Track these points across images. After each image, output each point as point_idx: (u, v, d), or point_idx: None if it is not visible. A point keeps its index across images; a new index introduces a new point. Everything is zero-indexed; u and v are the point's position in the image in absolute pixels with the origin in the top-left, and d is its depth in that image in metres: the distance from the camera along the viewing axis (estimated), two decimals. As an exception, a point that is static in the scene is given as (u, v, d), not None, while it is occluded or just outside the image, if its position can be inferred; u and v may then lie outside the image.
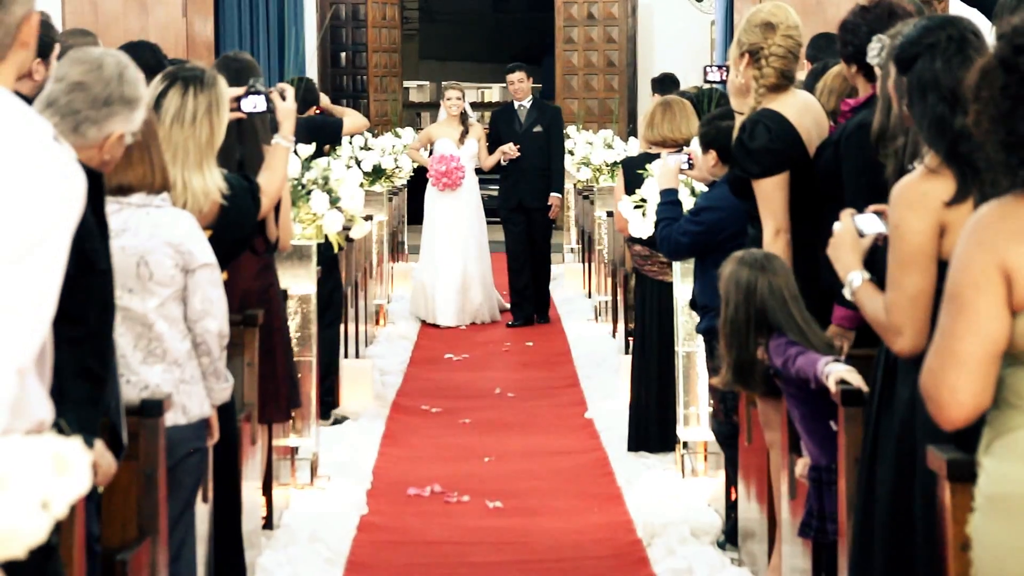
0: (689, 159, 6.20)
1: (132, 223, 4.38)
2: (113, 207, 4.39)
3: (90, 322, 3.46)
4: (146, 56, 6.07)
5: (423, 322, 12.82)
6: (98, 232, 3.48)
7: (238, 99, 5.38)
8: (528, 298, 12.79)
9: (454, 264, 12.66)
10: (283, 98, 5.60)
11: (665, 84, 11.97)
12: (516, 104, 12.75)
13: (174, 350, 4.43)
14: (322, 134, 8.83)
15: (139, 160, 4.38)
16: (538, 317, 12.89)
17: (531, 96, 12.75)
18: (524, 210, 12.61)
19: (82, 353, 3.44)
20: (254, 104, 5.37)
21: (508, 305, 13.08)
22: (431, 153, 12.86)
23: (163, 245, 4.39)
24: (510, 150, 12.45)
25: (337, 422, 8.86)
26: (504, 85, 24.93)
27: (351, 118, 9.97)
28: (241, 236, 5.05)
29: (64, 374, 3.33)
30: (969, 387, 2.87)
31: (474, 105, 20.46)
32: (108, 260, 3.55)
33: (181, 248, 4.41)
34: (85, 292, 3.40)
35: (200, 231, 4.48)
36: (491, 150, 12.65)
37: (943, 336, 2.89)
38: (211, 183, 4.79)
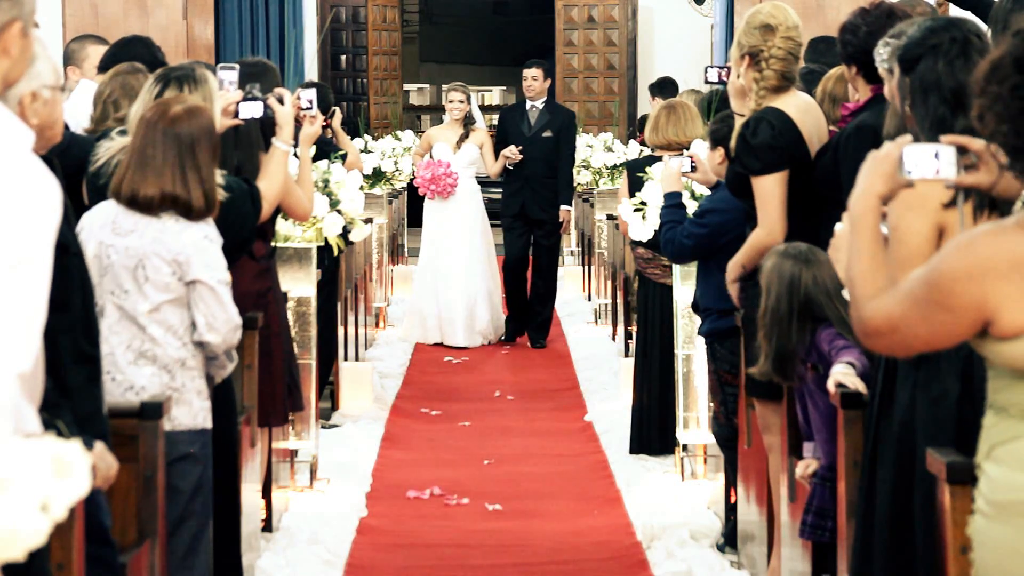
0: (692, 161, 6.20)
1: (141, 225, 4.42)
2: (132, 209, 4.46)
3: (74, 306, 3.48)
4: (141, 51, 6.10)
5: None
6: (63, 216, 3.48)
7: (235, 105, 5.39)
8: (523, 315, 11.89)
9: (459, 280, 11.70)
10: (281, 103, 5.61)
11: (664, 88, 11.96)
12: (528, 104, 11.75)
13: (165, 356, 4.44)
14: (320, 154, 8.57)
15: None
16: (535, 340, 11.89)
17: (545, 97, 11.80)
18: (527, 220, 11.69)
19: (75, 339, 3.46)
20: (251, 110, 5.38)
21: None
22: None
23: (163, 251, 4.41)
24: (512, 153, 11.50)
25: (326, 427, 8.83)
26: (504, 88, 25.06)
27: (352, 156, 9.69)
28: (240, 239, 5.06)
29: (63, 363, 3.35)
30: (902, 346, 2.98)
31: (474, 108, 20.27)
32: (77, 243, 3.56)
33: (179, 258, 4.42)
34: (65, 276, 3.42)
35: (210, 245, 4.48)
36: (497, 152, 11.65)
37: (917, 307, 2.88)
38: None
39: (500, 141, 11.75)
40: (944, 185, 3.14)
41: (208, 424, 4.57)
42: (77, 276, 3.53)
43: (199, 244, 4.45)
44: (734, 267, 5.43)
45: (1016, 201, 2.93)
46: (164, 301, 4.43)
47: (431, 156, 11.89)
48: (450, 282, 11.77)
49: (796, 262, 4.68)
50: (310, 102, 5.80)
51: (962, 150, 3.05)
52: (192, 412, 4.50)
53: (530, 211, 11.66)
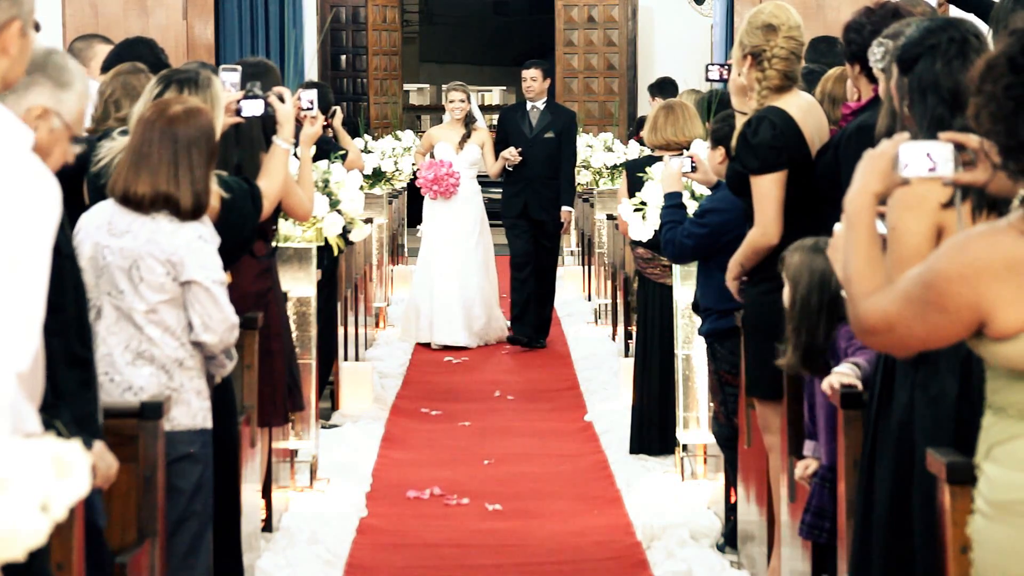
0: (692, 162, 6.20)
1: (135, 226, 4.42)
2: (126, 208, 4.46)
3: (68, 308, 3.48)
4: (144, 52, 6.10)
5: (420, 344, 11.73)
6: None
7: (237, 103, 5.39)
8: (529, 316, 11.76)
9: (453, 280, 11.64)
10: (282, 101, 5.61)
11: (664, 88, 11.95)
12: (528, 105, 11.65)
13: (163, 356, 4.44)
14: (320, 154, 8.51)
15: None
16: (534, 341, 11.79)
17: (545, 97, 11.71)
18: (530, 220, 11.57)
19: (68, 341, 3.46)
20: (252, 108, 5.38)
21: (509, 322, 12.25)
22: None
23: (156, 252, 4.41)
24: (512, 155, 11.43)
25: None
26: (504, 88, 25.05)
27: (353, 154, 9.64)
28: (240, 239, 5.06)
29: (56, 366, 3.34)
30: (899, 345, 3.01)
31: (474, 108, 20.20)
32: (70, 245, 3.56)
33: (173, 258, 4.42)
34: (58, 277, 3.42)
35: (205, 245, 4.48)
36: (497, 153, 11.59)
37: (912, 307, 2.89)
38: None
39: (501, 142, 11.67)
40: (941, 183, 3.10)
41: (208, 424, 4.57)
42: (70, 278, 3.52)
43: (192, 244, 4.45)
44: (733, 266, 5.44)
45: (1013, 200, 2.93)
46: (160, 301, 4.43)
47: (432, 156, 11.81)
48: (446, 282, 11.68)
49: (827, 258, 4.68)
50: (311, 102, 5.81)
51: (960, 147, 3.01)
52: (191, 412, 4.50)
53: (532, 212, 11.57)
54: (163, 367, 4.45)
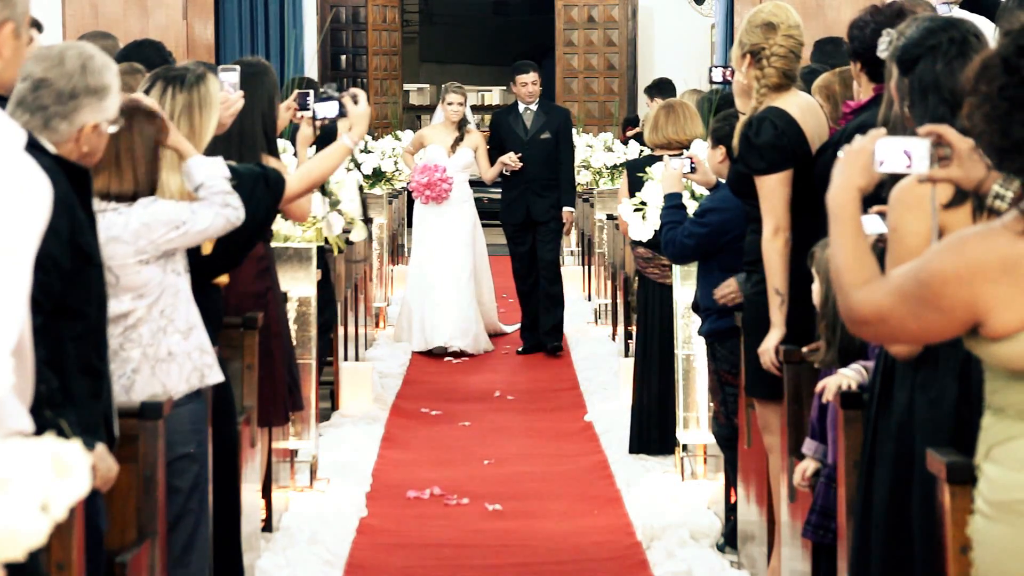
0: (692, 162, 6.20)
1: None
2: None
3: (90, 316, 3.49)
4: (151, 54, 6.11)
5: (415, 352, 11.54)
6: (89, 227, 3.51)
7: (304, 100, 5.41)
8: (541, 322, 11.56)
9: (447, 286, 11.45)
10: (355, 102, 5.60)
11: (662, 89, 11.94)
12: (521, 107, 11.45)
13: (148, 332, 4.41)
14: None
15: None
16: (551, 347, 11.52)
17: (537, 99, 11.50)
18: (532, 225, 11.41)
19: (85, 349, 3.47)
20: (326, 110, 5.41)
21: (507, 329, 12.21)
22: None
23: (120, 248, 4.36)
24: (511, 161, 11.21)
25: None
26: (504, 88, 25.06)
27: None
28: (254, 223, 4.94)
29: (68, 372, 3.35)
30: (890, 337, 3.07)
31: (474, 108, 20.15)
32: (100, 254, 3.57)
33: (138, 243, 4.38)
34: (84, 286, 3.44)
35: (156, 211, 4.41)
36: (492, 157, 11.40)
37: (906, 303, 2.89)
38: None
39: (495, 146, 11.52)
40: (917, 179, 3.13)
41: (208, 381, 4.51)
42: (96, 288, 3.53)
43: (145, 218, 4.39)
44: (774, 300, 5.19)
45: (988, 197, 2.94)
46: (138, 295, 4.40)
47: (422, 158, 11.66)
48: (442, 288, 11.52)
49: None
50: (306, 103, 5.81)
51: (936, 144, 3.07)
52: (180, 376, 4.44)
53: (535, 215, 11.41)
54: (149, 343, 4.41)
